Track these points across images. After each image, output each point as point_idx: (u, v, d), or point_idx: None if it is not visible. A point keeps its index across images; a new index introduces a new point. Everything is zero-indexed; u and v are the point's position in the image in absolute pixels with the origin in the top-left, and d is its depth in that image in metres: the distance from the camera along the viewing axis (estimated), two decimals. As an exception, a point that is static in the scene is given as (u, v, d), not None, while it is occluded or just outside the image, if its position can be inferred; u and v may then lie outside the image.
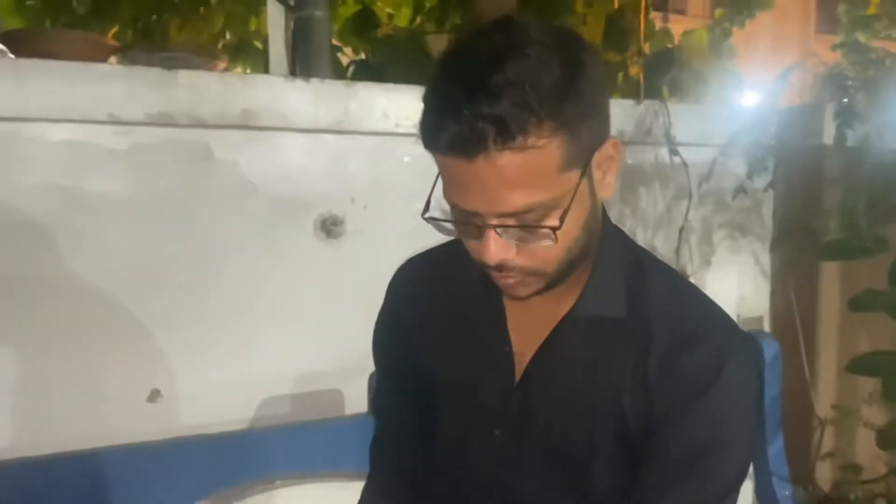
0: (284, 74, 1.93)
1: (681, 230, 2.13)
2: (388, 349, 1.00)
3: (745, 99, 2.47)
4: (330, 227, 1.70)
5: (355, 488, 1.06)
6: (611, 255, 0.86)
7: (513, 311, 0.88)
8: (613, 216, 2.12)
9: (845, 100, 1.79)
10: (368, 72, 2.56)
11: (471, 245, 0.78)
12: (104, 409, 1.50)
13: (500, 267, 0.76)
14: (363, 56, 2.71)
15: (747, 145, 1.97)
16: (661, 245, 2.14)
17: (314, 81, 1.66)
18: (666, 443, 0.81)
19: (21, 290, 1.43)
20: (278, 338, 1.66)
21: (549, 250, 0.75)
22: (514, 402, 0.87)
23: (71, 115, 1.43)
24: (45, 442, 1.39)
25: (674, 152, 2.09)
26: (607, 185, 0.80)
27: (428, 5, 2.82)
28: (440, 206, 0.79)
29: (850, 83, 1.81)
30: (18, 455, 1.36)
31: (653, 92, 2.85)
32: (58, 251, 1.45)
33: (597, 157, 0.76)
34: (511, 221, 0.73)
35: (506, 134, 0.67)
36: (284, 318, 1.67)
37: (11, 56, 1.56)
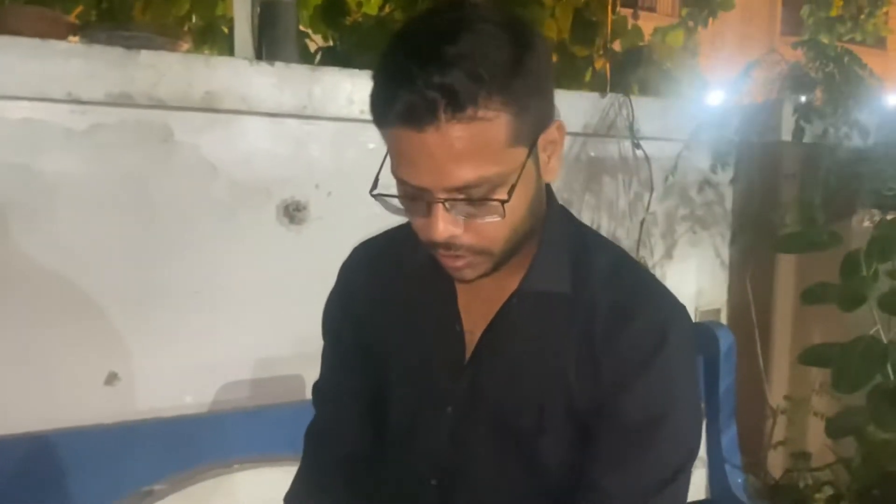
0: (250, 58, 1.91)
1: (642, 222, 2.16)
2: (339, 331, 1.00)
3: (712, 96, 2.51)
4: (293, 213, 1.70)
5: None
6: (556, 234, 0.87)
7: (463, 291, 0.89)
8: (577, 207, 2.15)
9: (803, 98, 1.83)
10: (336, 59, 2.55)
11: (418, 224, 0.78)
12: (60, 392, 1.49)
13: (448, 245, 0.77)
14: (331, 43, 2.70)
15: (710, 140, 2.01)
16: (623, 236, 2.17)
17: (279, 65, 1.65)
18: (615, 415, 0.83)
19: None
20: (239, 322, 1.65)
21: (496, 228, 0.76)
22: (465, 379, 0.88)
23: (28, 92, 1.41)
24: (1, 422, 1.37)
25: (637, 146, 2.11)
26: (552, 168, 0.81)
27: (397, -7, 2.80)
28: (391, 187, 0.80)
29: (809, 80, 1.85)
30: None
31: (622, 88, 2.89)
32: (12, 231, 1.43)
33: (542, 139, 0.78)
34: (459, 196, 0.73)
35: (456, 104, 0.69)
36: (245, 303, 1.66)
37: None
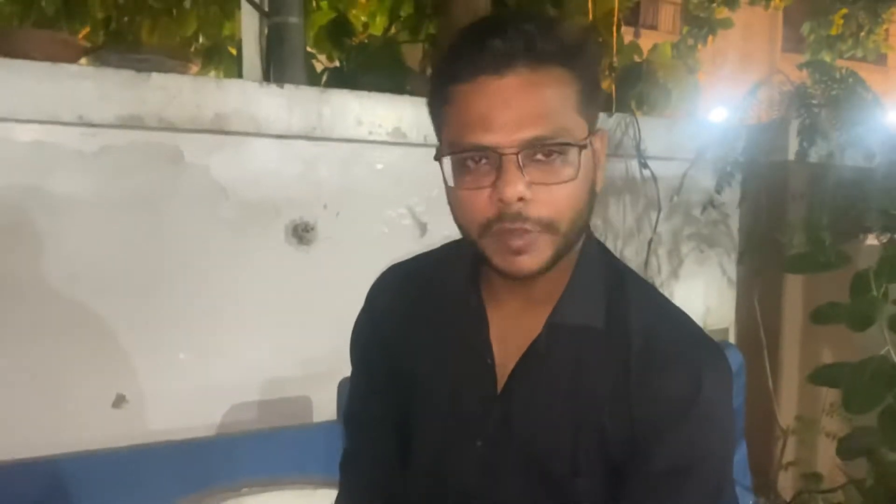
0: (258, 80, 1.92)
1: (650, 242, 2.16)
2: (368, 353, 0.99)
3: (715, 114, 2.52)
4: (301, 234, 1.70)
5: (322, 496, 1.05)
6: (590, 263, 0.86)
7: (495, 322, 0.88)
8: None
9: (807, 119, 1.83)
10: (342, 79, 2.56)
11: (478, 202, 0.75)
12: (68, 415, 1.48)
13: (514, 215, 0.74)
14: (337, 64, 2.71)
15: (715, 160, 2.01)
16: (630, 256, 2.17)
17: (288, 87, 1.66)
18: (647, 461, 0.81)
19: (-16, 292, 1.41)
20: (247, 344, 1.64)
21: (565, 196, 0.75)
22: (496, 413, 0.86)
23: (39, 115, 1.41)
24: (5, 446, 1.36)
25: (644, 165, 2.12)
26: (599, 178, 0.81)
27: (403, 14, 2.82)
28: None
29: (814, 101, 1.85)
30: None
31: (622, 105, 2.90)
32: (23, 253, 1.43)
33: (593, 139, 0.79)
34: (531, 150, 0.74)
35: (534, 49, 0.73)
36: (253, 324, 1.65)
37: (-21, 55, 1.54)
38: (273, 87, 1.65)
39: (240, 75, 2.14)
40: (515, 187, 0.73)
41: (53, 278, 1.45)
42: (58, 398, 1.48)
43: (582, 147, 0.75)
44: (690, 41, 4.94)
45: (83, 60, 1.65)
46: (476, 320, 0.87)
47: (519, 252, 0.76)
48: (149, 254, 1.55)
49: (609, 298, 0.85)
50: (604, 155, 0.82)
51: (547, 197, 0.75)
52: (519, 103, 0.72)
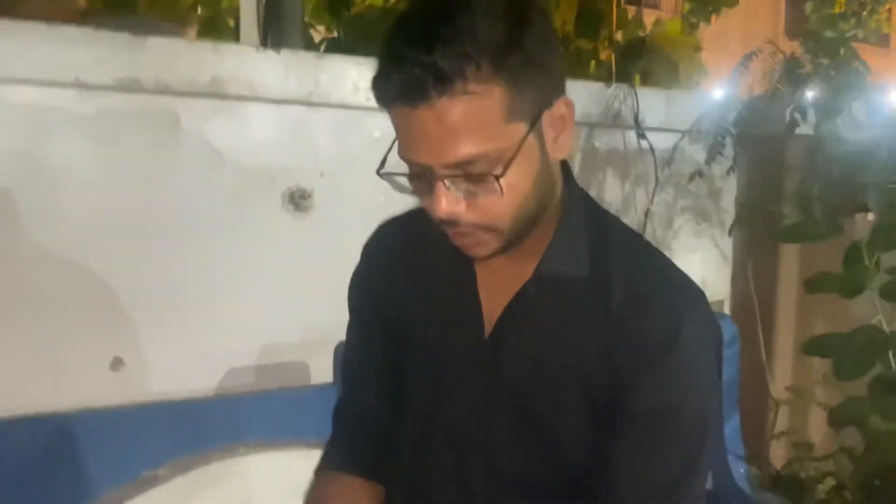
0: (255, 45, 1.92)
1: (646, 213, 2.17)
2: (362, 307, 1.02)
3: (714, 88, 2.52)
4: (298, 200, 1.70)
5: (318, 456, 1.06)
6: (575, 217, 0.87)
7: (483, 272, 0.90)
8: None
9: (797, 90, 1.84)
10: (340, 50, 2.55)
11: (425, 203, 0.79)
12: (67, 376, 1.49)
13: (452, 222, 0.78)
14: (335, 34, 2.70)
15: (708, 132, 2.01)
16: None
17: (285, 52, 1.65)
18: (628, 404, 0.83)
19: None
20: (244, 309, 1.65)
21: (498, 205, 0.77)
22: (484, 358, 0.88)
23: (35, 76, 1.41)
24: (7, 404, 1.38)
25: (641, 136, 2.12)
26: (561, 145, 0.81)
27: (401, -15, 2.81)
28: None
29: (805, 72, 1.85)
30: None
31: (624, 79, 2.89)
32: (19, 216, 1.43)
33: (547, 115, 0.78)
34: (458, 172, 0.74)
35: (444, 80, 0.70)
36: (250, 290, 1.66)
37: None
38: (270, 52, 1.65)
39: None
40: (443, 207, 0.76)
41: (50, 244, 1.46)
42: (56, 360, 1.49)
43: (508, 160, 0.75)
44: (693, 19, 4.91)
45: (81, 22, 1.64)
46: (464, 271, 0.89)
47: (467, 247, 0.81)
48: (146, 218, 1.55)
49: (592, 247, 0.86)
50: (571, 120, 0.81)
51: (480, 207, 0.77)
52: (437, 133, 0.73)
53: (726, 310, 2.38)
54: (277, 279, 1.68)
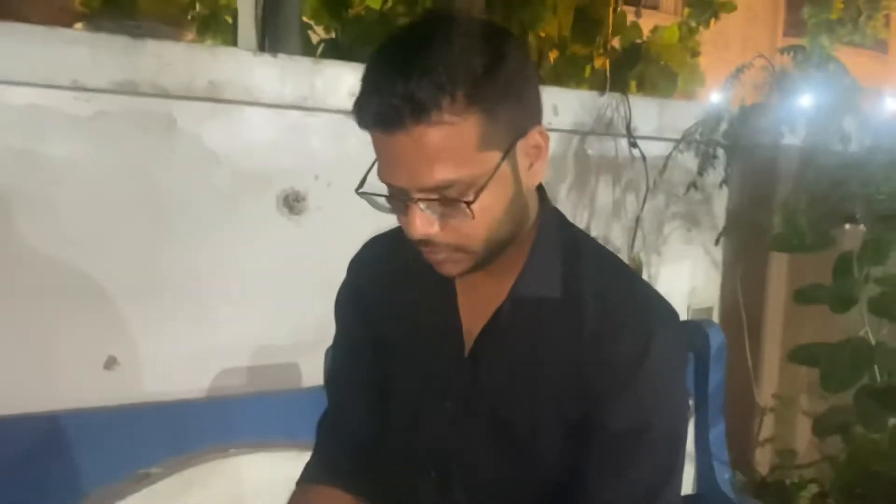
0: (252, 49, 1.93)
1: (637, 220, 2.19)
2: (349, 322, 1.03)
3: (707, 97, 2.54)
4: (292, 203, 1.72)
5: (308, 457, 1.08)
6: (548, 238, 0.89)
7: (463, 290, 0.92)
8: (573, 204, 2.17)
9: (785, 102, 1.86)
10: (337, 52, 2.57)
11: (402, 221, 0.81)
12: (60, 374, 1.51)
13: (426, 242, 0.80)
14: (333, 36, 2.72)
15: (699, 141, 2.04)
16: (616, 235, 2.20)
17: (281, 57, 1.67)
18: (601, 425, 0.85)
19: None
20: (236, 310, 1.67)
21: (470, 227, 0.79)
22: (463, 376, 0.91)
23: (34, 78, 1.42)
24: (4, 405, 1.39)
25: (633, 145, 2.14)
26: (535, 172, 0.84)
27: (400, -13, 2.83)
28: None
29: (794, 85, 1.88)
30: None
31: (621, 85, 2.91)
32: (15, 217, 1.45)
33: (521, 144, 0.80)
34: (432, 196, 0.76)
35: (419, 110, 0.72)
36: (243, 291, 1.68)
37: (-26, 17, 1.55)
38: (266, 57, 1.66)
39: (235, 44, 2.15)
40: (417, 229, 0.79)
41: (46, 243, 1.47)
42: (51, 360, 1.50)
43: (481, 187, 0.77)
44: (693, 23, 4.93)
45: (79, 25, 1.66)
46: (445, 289, 0.92)
47: (439, 264, 0.83)
48: (141, 219, 1.57)
49: (565, 268, 0.88)
50: (546, 148, 0.83)
51: (453, 228, 0.79)
52: (412, 159, 0.75)
53: (715, 317, 2.41)
54: (270, 281, 1.70)
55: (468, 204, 0.76)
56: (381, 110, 0.74)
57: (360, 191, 0.82)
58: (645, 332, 0.85)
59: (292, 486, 1.05)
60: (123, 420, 1.44)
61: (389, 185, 0.80)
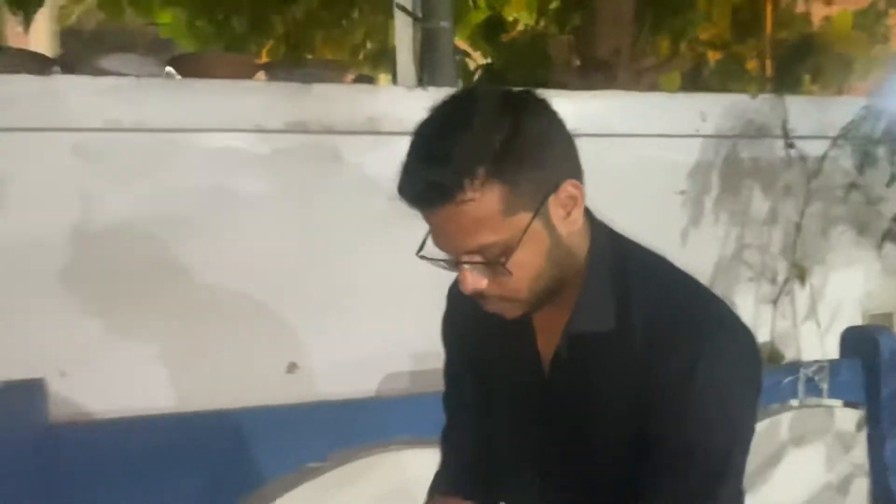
0: (410, 83, 2.11)
1: (797, 226, 2.12)
2: (449, 348, 1.16)
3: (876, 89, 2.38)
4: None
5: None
6: (598, 269, 0.94)
7: (537, 320, 1.00)
8: (722, 213, 2.11)
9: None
10: (493, 76, 2.70)
11: (458, 278, 0.92)
12: (247, 378, 1.74)
13: (478, 295, 0.90)
14: (489, 61, 2.86)
15: (858, 139, 1.94)
16: (775, 243, 2.14)
17: (431, 90, 1.84)
18: (655, 443, 0.90)
19: (180, 274, 1.70)
20: (398, 321, 1.83)
21: (513, 282, 0.88)
22: (544, 396, 1.00)
23: (221, 125, 1.69)
24: (199, 401, 1.65)
25: (789, 146, 2.08)
26: (573, 220, 0.90)
27: (551, 7, 2.91)
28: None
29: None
30: (174, 410, 1.66)
31: (790, 82, 2.79)
32: (207, 242, 1.71)
33: (554, 200, 0.87)
34: (475, 258, 0.86)
35: (444, 193, 0.83)
36: (403, 304, 1.83)
37: (178, 77, 1.85)
38: (418, 91, 1.83)
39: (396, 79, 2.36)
40: (467, 286, 0.88)
41: (234, 263, 1.73)
42: (238, 365, 1.75)
43: (512, 248, 0.85)
44: (882, 6, 4.56)
45: (260, 75, 1.92)
46: (524, 322, 0.99)
47: (495, 311, 0.93)
48: (312, 242, 1.78)
49: (617, 296, 0.93)
50: (581, 197, 0.89)
51: (498, 283, 0.88)
52: (448, 231, 0.85)
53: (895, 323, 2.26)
54: (424, 294, 1.84)
55: (503, 264, 0.86)
56: (413, 194, 0.86)
57: (420, 254, 0.93)
58: (691, 354, 0.87)
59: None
60: (299, 417, 1.65)
61: (439, 251, 0.91)
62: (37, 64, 1.62)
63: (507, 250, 0.86)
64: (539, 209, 0.87)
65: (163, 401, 1.67)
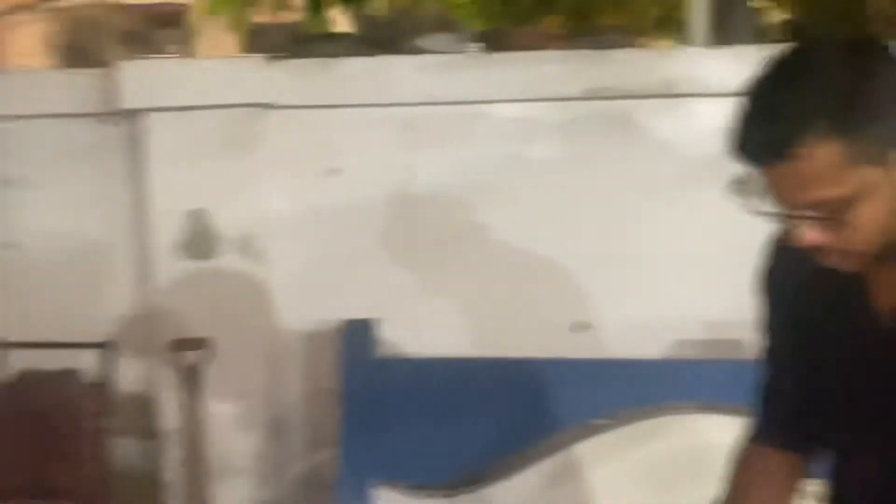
0: (703, 44, 2.07)
1: None
2: (771, 302, 1.12)
3: None
4: (739, 188, 1.80)
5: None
6: None
7: (874, 275, 0.93)
8: None
9: None
10: (798, 31, 2.52)
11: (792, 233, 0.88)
12: (535, 332, 1.85)
13: (813, 249, 0.85)
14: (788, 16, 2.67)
15: None
16: None
17: (726, 49, 1.78)
18: None
19: (479, 235, 1.85)
20: (687, 286, 1.83)
21: (854, 235, 0.82)
22: (879, 356, 0.94)
23: (520, 95, 1.80)
24: (489, 348, 1.80)
25: None
26: None
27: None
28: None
29: None
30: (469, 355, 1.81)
31: None
32: (503, 208, 1.83)
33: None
34: (813, 213, 0.83)
35: (782, 151, 0.78)
36: (695, 271, 1.82)
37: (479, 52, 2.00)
38: (713, 51, 1.79)
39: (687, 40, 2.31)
40: (805, 240, 0.84)
41: (526, 224, 1.83)
42: (528, 319, 1.86)
43: (853, 203, 0.79)
44: None
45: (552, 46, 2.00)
46: (857, 277, 0.94)
47: (834, 264, 0.87)
48: (604, 204, 1.84)
49: None
50: None
51: (836, 238, 0.82)
52: (782, 186, 0.81)
53: None
54: (717, 263, 1.81)
55: (842, 220, 0.82)
56: (748, 151, 0.83)
57: (759, 210, 0.91)
58: None
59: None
60: (586, 372, 1.72)
61: (776, 204, 0.89)
62: (365, 46, 1.85)
63: (847, 204, 0.83)
64: (882, 162, 0.84)
65: (461, 347, 1.83)
